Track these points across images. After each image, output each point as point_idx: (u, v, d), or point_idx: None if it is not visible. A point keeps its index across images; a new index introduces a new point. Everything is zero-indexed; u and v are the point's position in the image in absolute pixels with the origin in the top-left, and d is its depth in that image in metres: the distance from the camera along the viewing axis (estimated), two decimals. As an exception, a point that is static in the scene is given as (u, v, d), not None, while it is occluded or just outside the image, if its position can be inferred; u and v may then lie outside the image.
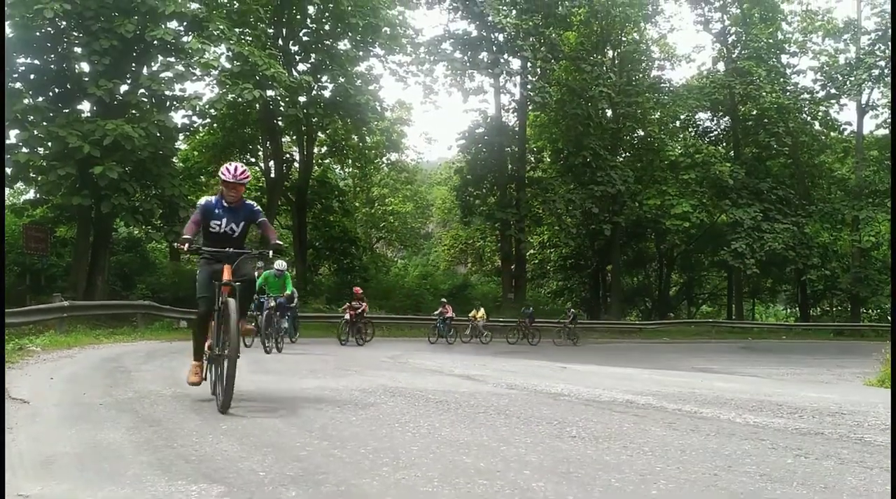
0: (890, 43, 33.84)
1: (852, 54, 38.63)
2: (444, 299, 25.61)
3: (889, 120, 39.03)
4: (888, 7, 35.89)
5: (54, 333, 15.01)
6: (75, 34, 20.70)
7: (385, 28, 28.07)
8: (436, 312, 24.54)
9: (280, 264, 14.61)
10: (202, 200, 6.34)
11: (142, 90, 21.39)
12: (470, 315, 25.86)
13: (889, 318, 41.41)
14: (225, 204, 6.17)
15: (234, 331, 5.55)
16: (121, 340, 15.66)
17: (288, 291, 14.96)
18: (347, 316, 19.62)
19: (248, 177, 6.25)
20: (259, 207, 6.49)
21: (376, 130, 32.53)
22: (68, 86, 20.95)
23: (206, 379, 6.27)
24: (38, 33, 20.00)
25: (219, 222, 6.16)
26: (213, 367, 6.20)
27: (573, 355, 18.94)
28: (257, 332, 13.53)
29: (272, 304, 13.94)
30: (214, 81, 24.76)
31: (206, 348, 6.23)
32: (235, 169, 6.14)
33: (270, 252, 6.21)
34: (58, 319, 16.12)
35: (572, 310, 29.44)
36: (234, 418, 5.26)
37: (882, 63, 36.81)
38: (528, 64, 32.81)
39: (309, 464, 3.75)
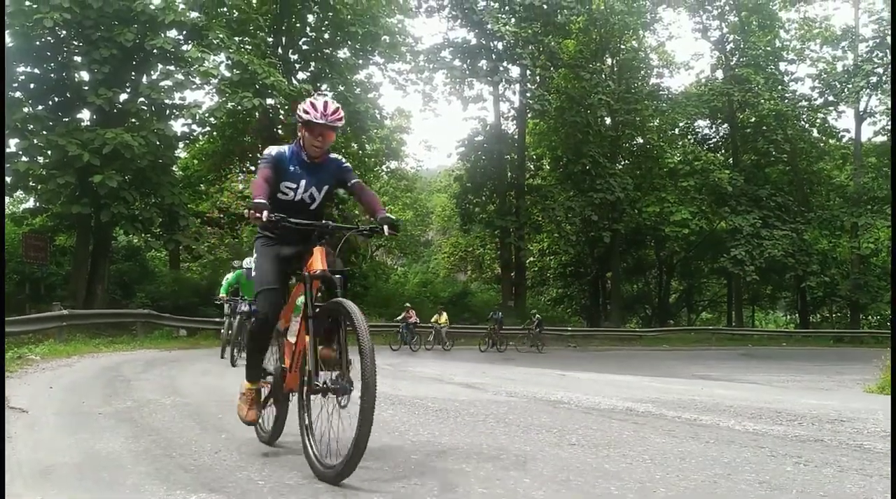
0: (889, 51, 33.91)
1: (850, 61, 38.74)
2: (407, 304, 24.71)
3: (887, 126, 39.12)
4: (886, 14, 36.01)
5: (53, 342, 15.00)
6: (75, 43, 20.78)
7: (384, 36, 28.16)
8: (398, 318, 23.50)
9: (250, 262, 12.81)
10: (271, 150, 4.19)
11: (141, 99, 21.48)
12: (432, 320, 24.73)
13: (889, 324, 41.43)
14: (305, 158, 4.16)
15: (370, 353, 3.50)
16: (120, 349, 15.65)
17: None
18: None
19: (342, 119, 4.12)
20: (349, 164, 4.43)
21: (376, 138, 32.58)
22: (68, 94, 21.03)
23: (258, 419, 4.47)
24: (37, 42, 20.10)
25: (293, 186, 4.16)
26: (285, 407, 4.33)
27: (572, 363, 18.90)
28: (228, 340, 12.56)
29: (245, 308, 11.64)
30: (214, 90, 24.84)
31: (260, 379, 4.38)
32: (325, 105, 4.03)
33: (385, 228, 4.03)
34: (57, 328, 16.12)
35: (538, 316, 28.32)
36: (232, 427, 5.24)
37: (880, 70, 36.96)
38: (528, 72, 32.97)
39: (308, 473, 3.74)
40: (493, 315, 26.22)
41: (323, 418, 3.75)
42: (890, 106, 37.83)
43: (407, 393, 8.00)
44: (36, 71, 20.88)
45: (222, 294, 12.97)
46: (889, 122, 39.18)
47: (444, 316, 25.04)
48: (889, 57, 36.70)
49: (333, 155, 4.30)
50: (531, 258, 41.91)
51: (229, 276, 13.21)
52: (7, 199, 26.09)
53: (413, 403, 7.00)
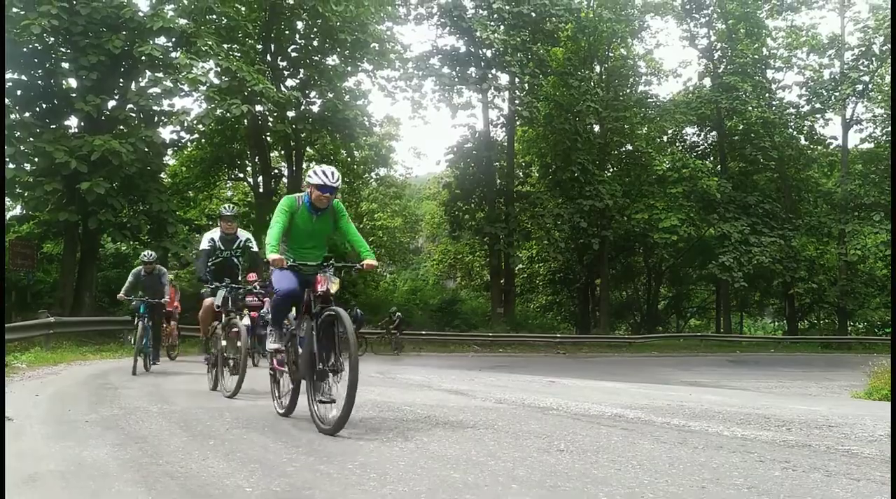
0: (890, 58, 34.10)
1: (836, 69, 39.04)
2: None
3: (874, 134, 39.47)
4: (872, 23, 36.35)
5: (40, 350, 14.89)
6: (63, 50, 20.73)
7: (373, 44, 28.17)
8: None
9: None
10: None
11: (129, 106, 21.43)
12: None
13: (876, 330, 41.71)
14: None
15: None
16: (108, 357, 15.55)
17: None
18: (248, 320, 13.41)
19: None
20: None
21: (364, 146, 32.59)
22: (56, 101, 20.96)
23: None
24: (25, 49, 20.01)
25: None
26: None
27: (562, 369, 18.89)
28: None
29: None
30: (202, 97, 24.78)
31: None
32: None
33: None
34: (44, 336, 16.00)
35: (398, 314, 25.95)
36: (220, 434, 5.22)
37: (866, 78, 37.30)
38: (516, 79, 33.04)
39: (296, 479, 3.73)
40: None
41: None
42: (883, 112, 38.18)
43: (395, 399, 7.97)
44: (23, 77, 20.79)
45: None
46: (875, 130, 39.60)
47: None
48: (875, 64, 37.12)
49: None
50: (520, 265, 41.93)
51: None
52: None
53: (401, 409, 6.98)
